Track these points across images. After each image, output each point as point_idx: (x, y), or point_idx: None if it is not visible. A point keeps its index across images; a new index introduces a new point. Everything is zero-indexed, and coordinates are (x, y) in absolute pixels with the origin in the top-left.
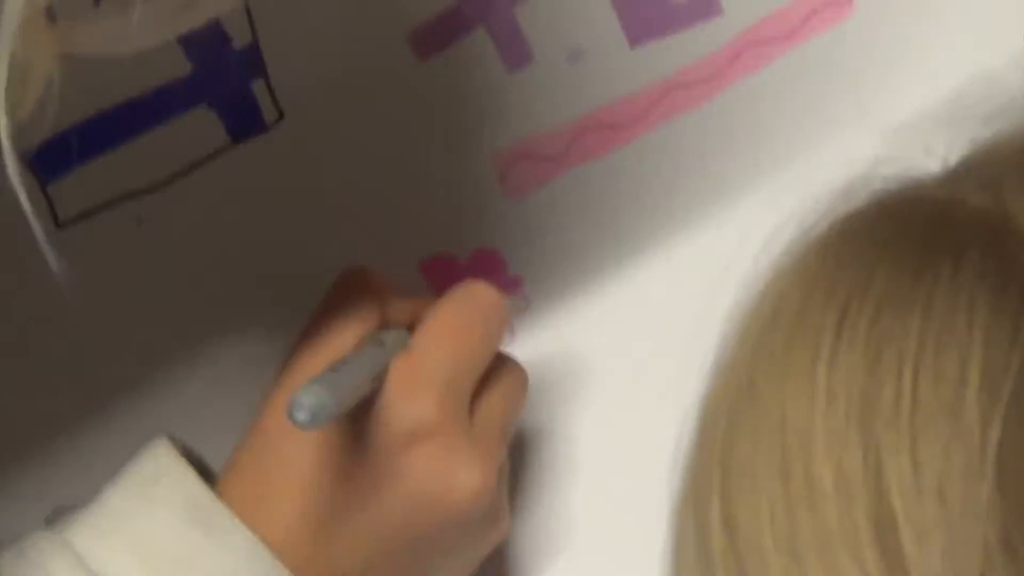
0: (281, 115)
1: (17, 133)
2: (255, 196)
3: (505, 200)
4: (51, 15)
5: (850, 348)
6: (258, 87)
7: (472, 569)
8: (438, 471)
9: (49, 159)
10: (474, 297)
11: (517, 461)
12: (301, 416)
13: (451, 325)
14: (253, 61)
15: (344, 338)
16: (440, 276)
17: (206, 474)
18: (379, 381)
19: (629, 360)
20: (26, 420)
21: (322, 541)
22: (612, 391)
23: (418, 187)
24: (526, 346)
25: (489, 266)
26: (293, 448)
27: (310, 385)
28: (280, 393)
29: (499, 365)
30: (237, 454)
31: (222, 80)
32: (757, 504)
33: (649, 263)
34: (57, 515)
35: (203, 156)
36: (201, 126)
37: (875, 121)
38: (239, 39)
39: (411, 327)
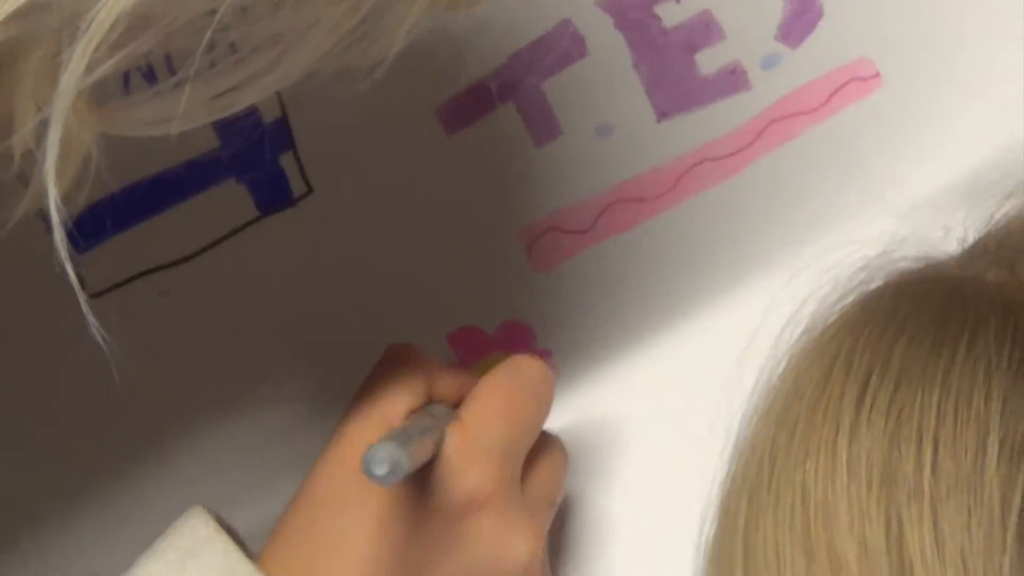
0: (309, 189)
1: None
2: (282, 269)
3: (533, 273)
4: (92, 97)
5: (870, 423)
6: (286, 161)
7: None
8: (495, 539)
9: (78, 232)
10: (524, 371)
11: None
12: (380, 470)
13: (503, 397)
14: (282, 135)
15: (394, 410)
16: (468, 348)
17: (239, 546)
18: (436, 449)
19: (657, 430)
20: (53, 488)
21: None
22: (641, 461)
23: (446, 260)
24: (555, 417)
25: (517, 338)
26: (348, 519)
27: (385, 441)
28: (330, 463)
29: (543, 441)
30: (284, 524)
31: (251, 154)
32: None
33: (676, 335)
34: None
35: (231, 229)
36: (229, 200)
37: (897, 197)
38: (268, 114)
39: (455, 405)
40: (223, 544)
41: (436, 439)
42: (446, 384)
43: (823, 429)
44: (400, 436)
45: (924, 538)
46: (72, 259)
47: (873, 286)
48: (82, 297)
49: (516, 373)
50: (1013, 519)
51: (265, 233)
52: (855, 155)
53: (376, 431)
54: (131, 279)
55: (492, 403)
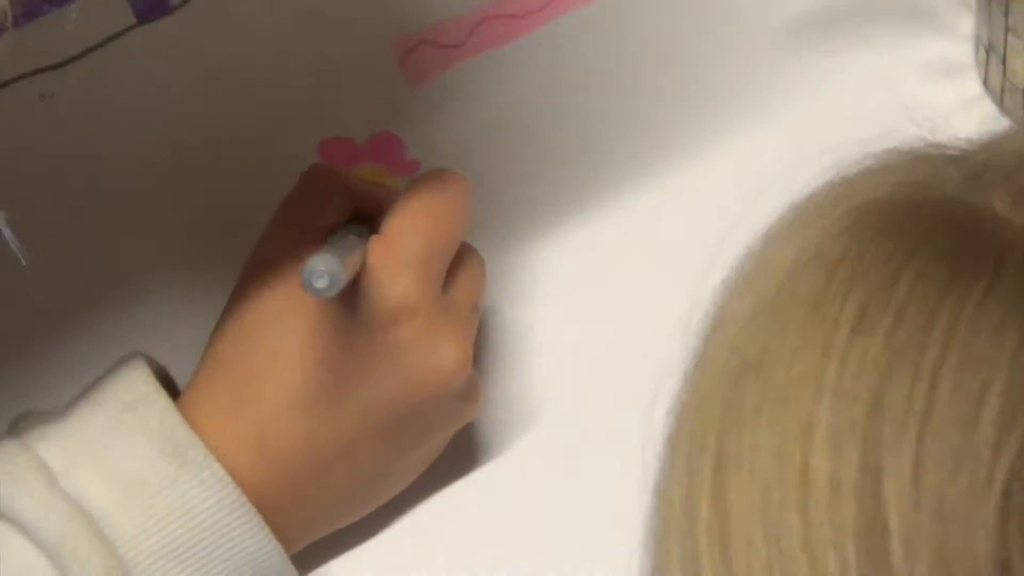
0: None
1: None
2: (157, 77)
3: (406, 85)
4: None
5: (865, 350)
6: None
7: (441, 448)
8: (423, 347)
9: None
10: (445, 183)
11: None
12: (321, 283)
13: (425, 208)
14: None
15: (315, 229)
16: (338, 157)
17: (167, 383)
18: (360, 265)
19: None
20: None
21: (308, 424)
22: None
23: (318, 70)
24: None
25: (388, 149)
26: (275, 339)
27: (322, 256)
28: (251, 286)
29: (461, 250)
30: (210, 356)
31: None
32: (750, 485)
33: (545, 153)
34: (23, 420)
35: (108, 36)
36: (108, 6)
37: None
38: None
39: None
40: (163, 401)
41: (360, 254)
42: (367, 202)
43: (815, 344)
44: (335, 251)
45: (903, 472)
46: None
47: (877, 193)
48: None
49: (437, 184)
50: (1002, 473)
51: (142, 41)
52: None
53: (299, 250)
54: (11, 81)
55: (415, 215)
